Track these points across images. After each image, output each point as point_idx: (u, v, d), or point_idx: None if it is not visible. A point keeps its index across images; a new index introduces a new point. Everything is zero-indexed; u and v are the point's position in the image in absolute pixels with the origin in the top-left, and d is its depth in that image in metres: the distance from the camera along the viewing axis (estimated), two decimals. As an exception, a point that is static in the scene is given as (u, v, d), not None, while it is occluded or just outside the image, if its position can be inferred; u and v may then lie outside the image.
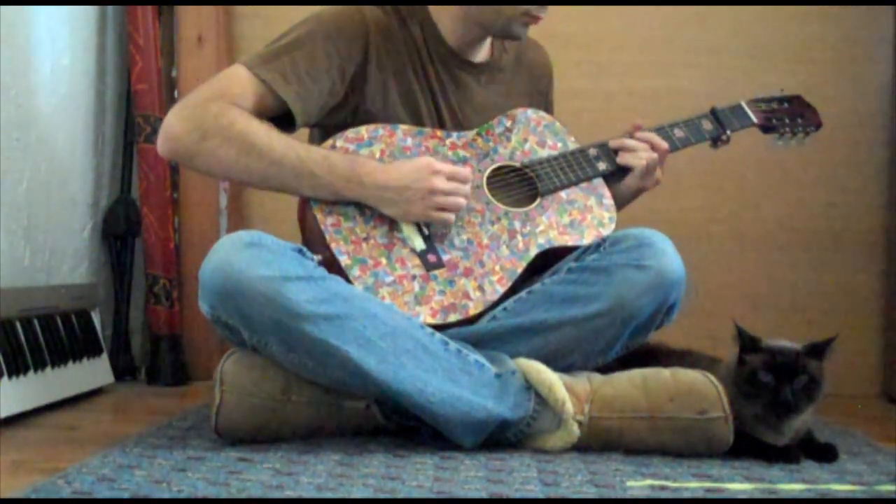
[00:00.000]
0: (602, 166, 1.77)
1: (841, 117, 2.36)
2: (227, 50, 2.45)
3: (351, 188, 1.59)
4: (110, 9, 2.42)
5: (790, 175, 2.45)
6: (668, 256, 1.59)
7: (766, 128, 1.93)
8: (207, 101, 1.59)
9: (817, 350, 1.51)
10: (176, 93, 2.44)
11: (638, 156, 1.76)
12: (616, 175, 1.78)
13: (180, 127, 1.59)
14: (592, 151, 1.78)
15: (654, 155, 1.76)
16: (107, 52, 2.41)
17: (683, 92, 2.43)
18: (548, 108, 1.91)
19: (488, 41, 1.80)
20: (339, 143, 1.65)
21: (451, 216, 1.62)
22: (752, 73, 2.46)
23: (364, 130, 1.67)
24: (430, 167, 1.59)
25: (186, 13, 2.43)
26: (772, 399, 1.47)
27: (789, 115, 1.94)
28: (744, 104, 1.91)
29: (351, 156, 1.63)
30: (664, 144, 1.78)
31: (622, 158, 1.77)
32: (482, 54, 1.80)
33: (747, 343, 1.53)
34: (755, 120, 1.91)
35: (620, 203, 1.79)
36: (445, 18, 1.74)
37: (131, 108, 2.42)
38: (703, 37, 2.49)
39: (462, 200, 1.62)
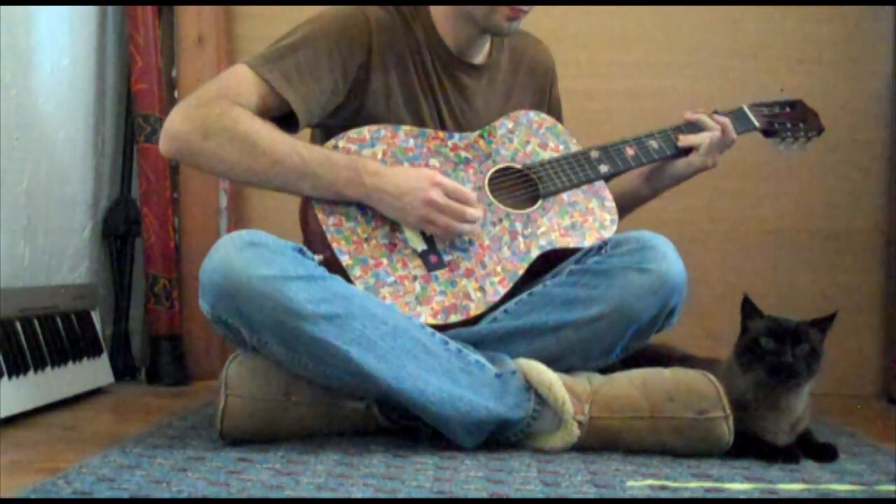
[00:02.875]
0: (604, 169, 1.77)
1: (841, 117, 2.36)
2: (227, 50, 2.45)
3: (353, 188, 1.59)
4: (110, 9, 2.42)
5: (790, 175, 2.45)
6: (669, 260, 1.58)
7: (767, 132, 1.93)
8: (210, 101, 1.59)
9: (819, 324, 1.53)
10: (176, 93, 2.44)
11: (703, 134, 1.81)
12: (680, 153, 1.83)
13: (183, 126, 1.59)
14: (594, 154, 1.78)
15: (717, 133, 1.81)
16: (107, 52, 2.41)
17: (683, 92, 2.43)
18: (552, 104, 1.90)
19: (487, 43, 1.80)
20: (341, 143, 1.65)
21: (443, 234, 1.60)
22: (752, 73, 2.46)
23: (366, 131, 1.67)
24: (432, 178, 1.59)
25: (186, 13, 2.43)
26: (773, 363, 1.48)
27: (791, 119, 1.94)
28: (745, 108, 1.91)
29: (353, 156, 1.63)
30: (733, 134, 1.83)
31: (684, 141, 1.82)
32: (481, 56, 1.80)
33: (752, 313, 1.54)
34: (757, 124, 1.91)
35: (672, 179, 1.84)
36: (442, 18, 1.74)
37: (131, 108, 2.42)
38: (703, 37, 2.49)
39: (454, 224, 1.59)
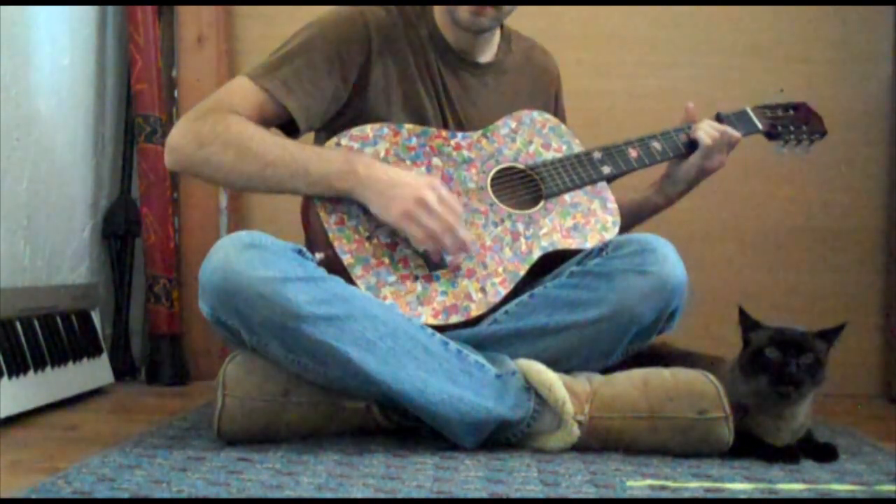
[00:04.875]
0: (606, 170, 1.77)
1: (841, 117, 2.36)
2: (227, 50, 2.45)
3: (344, 178, 1.58)
4: (110, 9, 2.42)
5: (790, 175, 2.45)
6: (670, 262, 1.58)
7: (771, 134, 1.93)
8: (206, 112, 1.62)
9: (825, 335, 1.52)
10: (176, 93, 2.44)
11: (709, 133, 1.80)
12: (684, 154, 1.83)
13: (180, 139, 1.61)
14: (597, 155, 1.78)
15: (718, 135, 1.80)
16: (107, 52, 2.41)
17: (683, 92, 2.42)
18: (556, 112, 1.90)
19: (492, 42, 1.80)
20: (343, 141, 1.65)
21: (423, 238, 1.56)
22: (752, 73, 2.46)
23: (369, 129, 1.67)
24: (431, 182, 1.58)
25: (186, 13, 2.43)
26: (777, 374, 1.48)
27: (794, 122, 1.94)
28: (749, 110, 1.91)
29: (349, 152, 1.63)
30: (735, 134, 1.83)
31: (694, 132, 1.81)
32: (487, 55, 1.80)
33: (750, 324, 1.54)
34: (760, 126, 1.91)
35: (682, 183, 1.84)
36: (440, 17, 1.75)
37: (131, 108, 2.42)
38: (703, 37, 2.49)
39: (438, 231, 1.55)
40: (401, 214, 1.56)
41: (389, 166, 1.61)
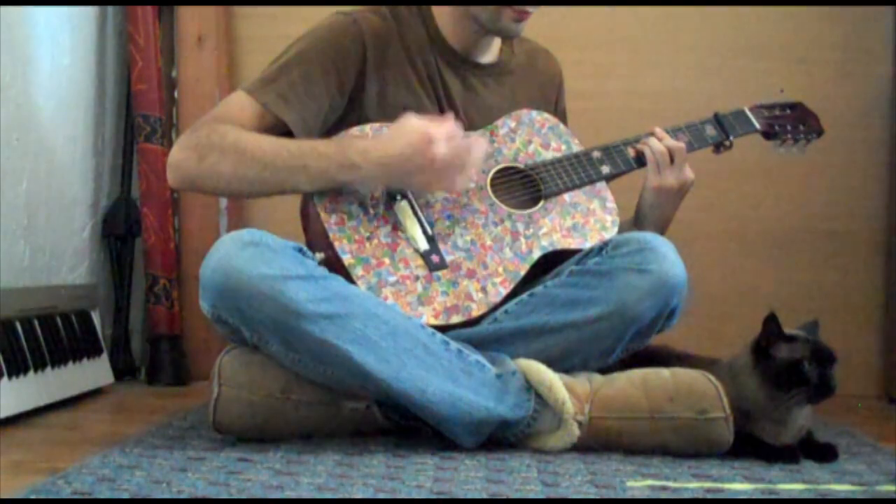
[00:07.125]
0: (605, 169, 1.77)
1: (841, 117, 2.35)
2: (227, 50, 2.45)
3: (346, 171, 1.58)
4: (110, 9, 2.42)
5: (790, 175, 2.45)
6: (669, 261, 1.58)
7: (768, 134, 1.93)
8: (202, 125, 1.62)
9: (815, 334, 1.54)
10: (176, 93, 2.44)
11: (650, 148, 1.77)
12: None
13: (180, 154, 1.62)
14: (596, 154, 1.78)
15: (663, 148, 1.76)
16: (107, 52, 2.41)
17: (683, 92, 2.43)
18: (556, 114, 1.89)
19: (495, 43, 1.80)
20: (341, 141, 1.66)
21: (460, 181, 1.60)
22: (752, 73, 2.46)
23: (368, 129, 1.67)
24: (427, 137, 1.56)
25: (186, 13, 2.43)
26: (820, 389, 1.48)
27: (791, 121, 1.94)
28: (746, 110, 1.91)
29: (338, 140, 1.63)
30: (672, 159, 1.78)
31: (642, 146, 1.78)
32: (489, 56, 1.80)
33: (777, 334, 1.52)
34: (758, 126, 1.91)
35: (651, 210, 1.79)
36: (445, 18, 1.75)
37: (131, 108, 2.42)
38: (703, 37, 2.49)
39: (469, 158, 1.58)
40: (426, 183, 1.59)
41: (380, 141, 1.60)
